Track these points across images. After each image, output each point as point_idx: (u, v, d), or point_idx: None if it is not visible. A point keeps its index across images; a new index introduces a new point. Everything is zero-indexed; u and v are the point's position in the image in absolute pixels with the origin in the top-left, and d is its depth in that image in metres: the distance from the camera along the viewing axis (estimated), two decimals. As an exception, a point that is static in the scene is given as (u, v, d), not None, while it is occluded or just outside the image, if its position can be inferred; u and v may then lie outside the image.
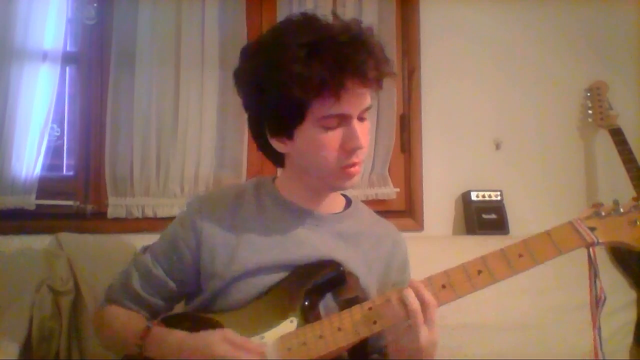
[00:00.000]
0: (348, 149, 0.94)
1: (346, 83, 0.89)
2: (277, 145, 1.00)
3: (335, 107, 0.90)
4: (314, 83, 0.87)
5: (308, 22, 0.94)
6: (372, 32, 0.95)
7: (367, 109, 0.97)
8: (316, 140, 0.94)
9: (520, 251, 0.87)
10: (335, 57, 0.88)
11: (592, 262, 0.86)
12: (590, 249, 0.86)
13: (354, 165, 0.96)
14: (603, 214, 0.88)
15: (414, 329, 0.82)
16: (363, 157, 0.98)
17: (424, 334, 0.82)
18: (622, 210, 0.88)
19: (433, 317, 0.83)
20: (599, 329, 0.86)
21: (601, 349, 0.86)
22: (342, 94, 0.89)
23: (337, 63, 0.88)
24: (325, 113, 0.91)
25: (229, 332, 0.87)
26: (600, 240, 0.86)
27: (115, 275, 1.11)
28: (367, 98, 0.95)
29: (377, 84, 0.95)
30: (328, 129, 0.93)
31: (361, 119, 0.97)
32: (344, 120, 0.93)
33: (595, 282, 0.86)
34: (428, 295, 0.84)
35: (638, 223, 0.86)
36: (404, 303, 0.84)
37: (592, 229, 0.87)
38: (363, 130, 0.96)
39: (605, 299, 0.86)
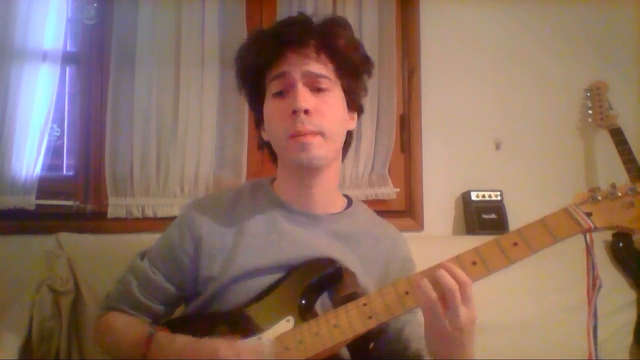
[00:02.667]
0: (290, 112, 0.97)
1: (283, 51, 1.00)
2: (262, 134, 1.09)
3: (275, 69, 1.01)
4: (258, 54, 1.02)
5: (283, 19, 1.07)
6: (341, 19, 1.07)
7: (315, 75, 1.00)
8: (268, 111, 1.03)
9: (514, 240, 0.85)
10: (277, 33, 1.02)
11: (589, 249, 0.85)
12: (587, 235, 0.84)
13: (298, 133, 0.97)
14: (599, 198, 0.86)
15: (453, 309, 0.80)
16: (315, 128, 0.97)
17: (463, 312, 0.81)
18: (619, 193, 0.85)
19: (470, 295, 0.82)
20: (595, 315, 0.85)
21: (595, 338, 0.85)
22: (279, 60, 1.00)
23: (277, 36, 1.01)
24: (270, 78, 1.01)
25: (233, 340, 0.87)
26: (597, 226, 0.84)
27: (113, 283, 1.10)
28: (308, 63, 1.00)
29: (332, 55, 1.02)
30: (277, 96, 1.01)
31: (316, 90, 1.00)
32: (289, 86, 1.00)
33: (592, 268, 0.85)
34: (461, 274, 0.82)
35: (635, 205, 0.84)
36: (437, 284, 0.82)
37: (589, 215, 0.85)
38: (314, 99, 0.99)
39: (601, 285, 0.84)
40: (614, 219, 0.85)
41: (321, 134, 0.98)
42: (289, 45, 1.00)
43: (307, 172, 1.03)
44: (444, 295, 0.81)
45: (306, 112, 0.96)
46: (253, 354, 0.86)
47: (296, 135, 0.97)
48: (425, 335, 0.86)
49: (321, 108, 0.99)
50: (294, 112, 0.97)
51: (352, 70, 1.06)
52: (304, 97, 0.97)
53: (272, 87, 1.01)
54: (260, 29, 1.13)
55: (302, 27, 1.01)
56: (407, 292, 0.87)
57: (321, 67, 1.01)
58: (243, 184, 1.26)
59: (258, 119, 1.10)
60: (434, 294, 0.81)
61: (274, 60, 1.00)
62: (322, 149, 0.99)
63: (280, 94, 1.00)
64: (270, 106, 1.02)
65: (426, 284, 0.82)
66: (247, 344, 0.88)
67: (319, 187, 1.05)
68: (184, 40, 1.66)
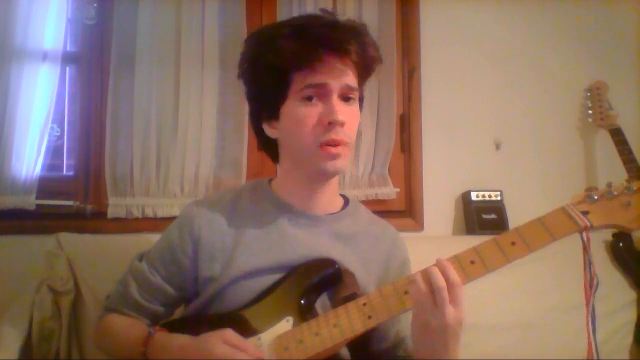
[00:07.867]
0: (325, 122, 0.95)
1: (322, 56, 0.94)
2: (269, 131, 1.04)
3: (312, 77, 0.95)
4: (291, 53, 0.94)
5: (303, 15, 1.01)
6: (366, 27, 1.01)
7: (351, 88, 0.98)
8: (296, 115, 0.97)
9: (513, 239, 0.86)
10: (314, 34, 0.95)
11: (585, 247, 0.85)
12: (584, 234, 0.85)
13: (333, 143, 0.96)
14: (596, 197, 0.87)
15: (440, 307, 0.81)
16: (347, 138, 0.97)
17: (449, 312, 0.81)
18: (615, 192, 0.87)
19: (459, 296, 0.82)
20: (593, 315, 0.85)
21: (594, 337, 0.85)
22: (318, 66, 0.94)
23: (315, 37, 0.95)
24: (303, 83, 0.96)
25: (228, 333, 0.87)
26: (594, 225, 0.85)
27: (113, 285, 1.10)
28: (348, 75, 0.98)
29: (361, 65, 0.99)
30: (307, 101, 0.96)
31: (346, 99, 0.99)
32: (323, 94, 0.96)
33: (589, 266, 0.85)
34: (453, 274, 0.82)
35: (632, 204, 0.85)
36: (429, 281, 0.82)
37: (585, 213, 0.86)
38: (345, 110, 0.97)
39: (598, 284, 0.85)
40: (611, 218, 0.86)
41: (348, 144, 0.98)
42: (330, 51, 0.95)
43: (322, 178, 1.03)
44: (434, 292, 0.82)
45: (342, 124, 0.96)
46: (251, 348, 0.86)
47: (328, 144, 0.96)
48: (412, 329, 0.87)
49: (349, 119, 0.98)
50: (330, 123, 0.95)
51: (369, 77, 1.06)
52: (340, 109, 0.96)
53: (304, 91, 0.96)
54: (292, 21, 1.02)
55: (345, 35, 0.96)
56: (406, 292, 0.87)
57: (354, 79, 0.99)
58: (242, 185, 1.25)
59: (268, 115, 1.03)
60: (424, 288, 0.82)
61: (311, 63, 0.94)
62: (347, 159, 0.99)
63: (309, 99, 0.96)
64: (299, 111, 0.97)
65: (419, 277, 0.84)
66: (241, 339, 0.87)
67: (325, 190, 1.05)
68: (184, 40, 1.66)
